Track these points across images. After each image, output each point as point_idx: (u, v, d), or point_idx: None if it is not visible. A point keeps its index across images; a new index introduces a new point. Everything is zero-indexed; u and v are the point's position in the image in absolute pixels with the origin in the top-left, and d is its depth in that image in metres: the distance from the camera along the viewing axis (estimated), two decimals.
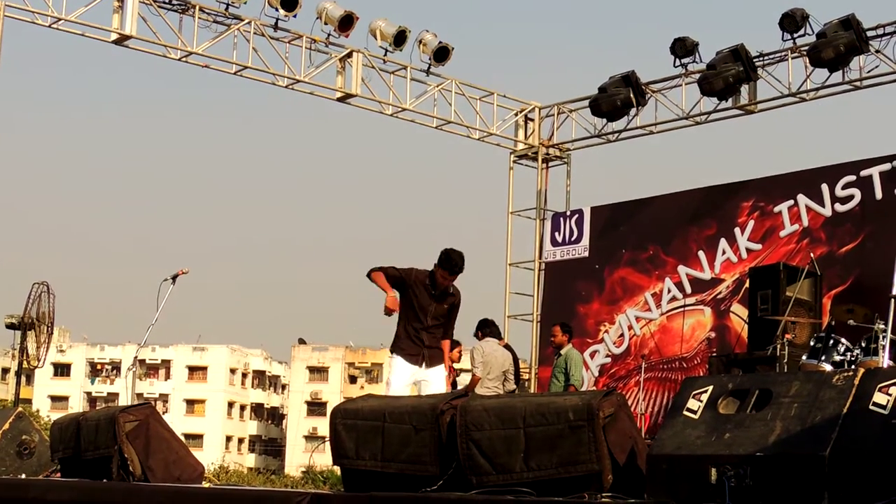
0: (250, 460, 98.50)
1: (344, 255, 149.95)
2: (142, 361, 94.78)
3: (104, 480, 10.75)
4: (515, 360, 17.03)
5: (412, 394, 11.52)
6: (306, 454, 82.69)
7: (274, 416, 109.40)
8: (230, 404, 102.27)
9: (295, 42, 19.70)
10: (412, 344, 11.54)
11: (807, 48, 18.31)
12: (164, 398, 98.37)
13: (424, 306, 11.51)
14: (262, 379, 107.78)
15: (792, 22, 18.37)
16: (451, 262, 11.42)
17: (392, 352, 11.66)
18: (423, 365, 11.55)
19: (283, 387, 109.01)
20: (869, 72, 18.35)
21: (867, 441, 6.32)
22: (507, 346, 17.21)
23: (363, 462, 8.58)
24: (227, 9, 18.76)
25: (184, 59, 18.98)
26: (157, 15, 18.37)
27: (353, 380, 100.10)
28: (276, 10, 18.92)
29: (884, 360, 11.45)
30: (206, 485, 11.92)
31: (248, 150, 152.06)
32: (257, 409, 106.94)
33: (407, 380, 11.56)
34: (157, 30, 18.48)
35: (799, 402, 6.74)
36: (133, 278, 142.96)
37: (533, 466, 7.68)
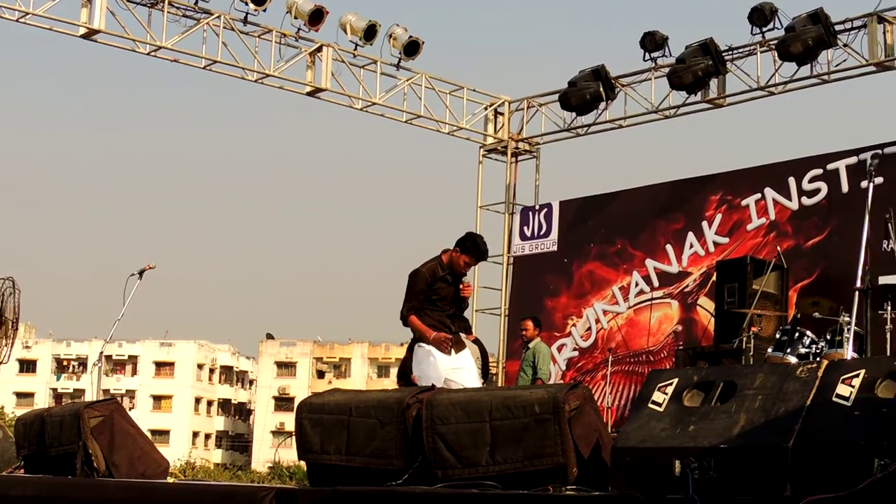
0: (217, 456, 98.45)
1: (313, 249, 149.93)
2: (108, 357, 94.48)
3: (68, 477, 10.69)
4: (484, 354, 17.00)
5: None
6: (274, 450, 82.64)
7: (241, 412, 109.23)
8: (197, 400, 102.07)
9: (265, 36, 19.65)
10: (444, 330, 11.31)
11: (775, 42, 18.37)
12: (130, 394, 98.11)
13: (445, 295, 11.33)
14: (229, 374, 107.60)
15: (761, 16, 18.42)
16: (479, 250, 11.32)
17: (419, 343, 11.36)
18: (451, 352, 11.33)
19: (251, 382, 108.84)
20: (837, 66, 18.42)
21: (830, 433, 6.33)
22: (476, 341, 17.18)
23: (328, 456, 8.56)
24: (196, 3, 18.71)
25: (153, 53, 18.91)
26: (125, 9, 18.32)
27: (321, 375, 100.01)
28: (246, 4, 18.88)
29: (848, 353, 11.51)
30: (170, 480, 11.89)
31: (216, 145, 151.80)
32: (224, 405, 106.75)
33: (444, 372, 11.21)
34: (126, 24, 18.43)
35: (763, 394, 6.75)
36: (100, 274, 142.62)
37: (499, 460, 7.67)
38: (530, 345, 16.60)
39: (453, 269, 11.27)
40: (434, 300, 11.26)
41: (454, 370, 11.22)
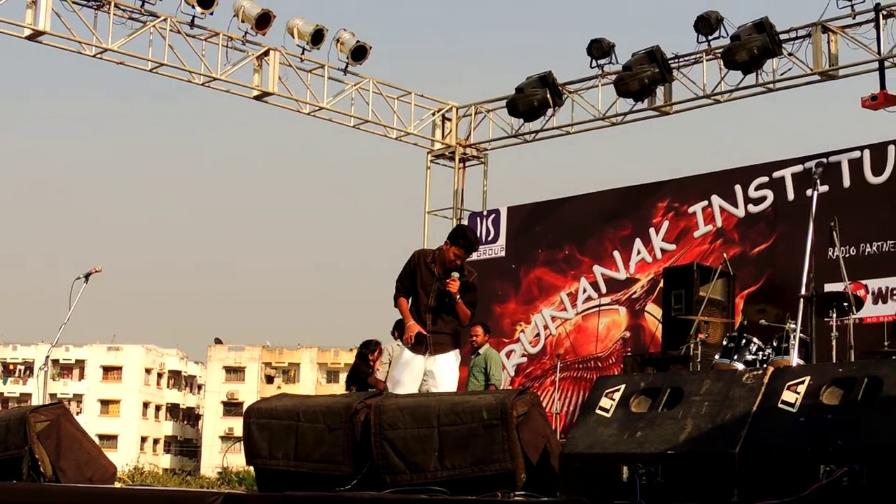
0: (166, 461, 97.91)
1: (261, 254, 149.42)
2: (55, 361, 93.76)
3: (14, 482, 10.62)
4: None
5: (412, 390, 10.93)
6: (223, 455, 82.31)
7: (190, 417, 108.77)
8: (145, 405, 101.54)
9: (211, 40, 19.56)
10: (418, 322, 11.02)
11: (721, 51, 18.46)
12: (78, 398, 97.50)
13: (427, 283, 11.00)
14: (177, 379, 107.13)
15: (706, 24, 18.52)
16: (467, 240, 11.07)
17: (395, 337, 11.02)
18: (427, 353, 11.00)
19: (200, 387, 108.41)
20: (782, 74, 18.55)
21: (776, 439, 6.39)
22: None
23: (276, 462, 8.55)
24: (142, 5, 18.61)
25: (99, 55, 18.79)
26: (71, 11, 18.18)
27: (269, 380, 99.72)
28: (193, 7, 18.78)
29: (794, 360, 11.58)
30: (118, 485, 11.82)
31: (162, 148, 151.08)
32: (173, 410, 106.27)
33: (414, 373, 10.98)
34: (72, 26, 18.29)
35: (710, 400, 6.79)
36: (46, 277, 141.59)
37: (447, 465, 7.68)
38: (480, 351, 16.60)
39: (444, 260, 11.00)
40: (416, 284, 11.04)
41: (428, 373, 11.01)
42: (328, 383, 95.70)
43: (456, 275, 10.93)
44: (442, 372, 10.99)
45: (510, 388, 18.97)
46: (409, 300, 11.11)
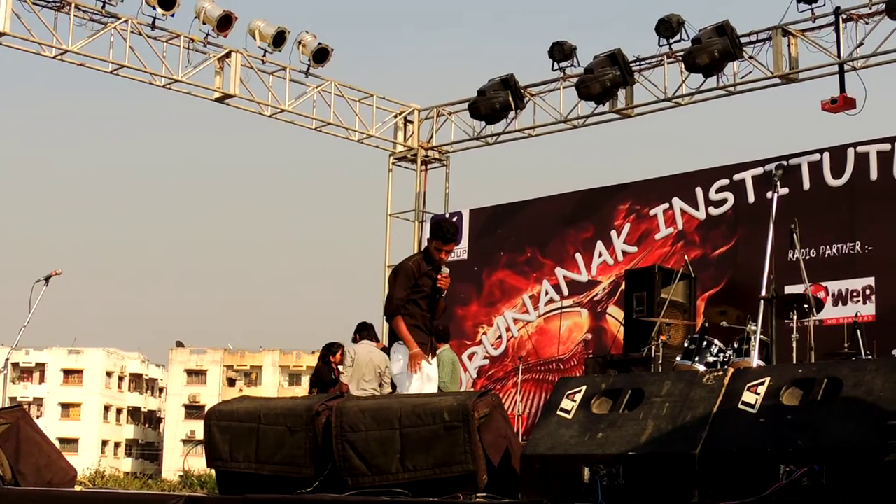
0: (127, 465, 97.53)
1: (222, 256, 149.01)
2: (15, 364, 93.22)
3: None
4: None
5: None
6: (184, 458, 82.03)
7: (151, 420, 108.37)
8: (106, 408, 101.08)
9: (173, 41, 19.48)
10: (422, 333, 10.87)
11: (682, 54, 18.52)
12: (38, 402, 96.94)
13: (429, 292, 10.86)
14: (139, 382, 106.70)
15: (668, 28, 18.57)
16: (443, 230, 10.89)
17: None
18: (430, 354, 10.97)
19: (161, 390, 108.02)
20: (742, 77, 18.62)
21: (736, 440, 6.41)
22: (385, 349, 17.22)
23: (237, 464, 8.53)
24: (103, 7, 18.50)
25: (59, 57, 18.68)
26: (31, 12, 18.08)
27: (231, 383, 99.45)
28: (154, 8, 18.69)
29: (754, 361, 11.63)
30: (78, 489, 11.77)
31: (124, 150, 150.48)
32: (134, 413, 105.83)
33: (423, 374, 10.76)
34: (32, 27, 18.21)
35: (670, 401, 6.82)
36: (5, 279, 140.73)
37: (409, 467, 7.68)
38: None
39: (433, 261, 10.86)
40: (417, 298, 10.82)
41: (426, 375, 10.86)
42: (290, 386, 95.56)
43: (447, 270, 10.89)
44: (434, 372, 11.05)
45: (472, 389, 18.98)
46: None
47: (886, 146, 16.41)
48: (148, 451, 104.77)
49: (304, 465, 8.16)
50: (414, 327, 10.78)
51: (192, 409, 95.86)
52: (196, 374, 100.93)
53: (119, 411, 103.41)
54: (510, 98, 20.45)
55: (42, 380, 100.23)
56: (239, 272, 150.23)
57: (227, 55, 20.03)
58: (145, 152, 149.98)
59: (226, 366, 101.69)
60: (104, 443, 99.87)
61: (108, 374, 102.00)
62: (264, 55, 20.24)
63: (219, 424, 8.71)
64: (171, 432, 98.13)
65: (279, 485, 8.20)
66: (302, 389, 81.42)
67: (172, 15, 18.88)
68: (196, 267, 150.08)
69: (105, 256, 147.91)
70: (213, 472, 9.00)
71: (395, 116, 22.79)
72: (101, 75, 19.42)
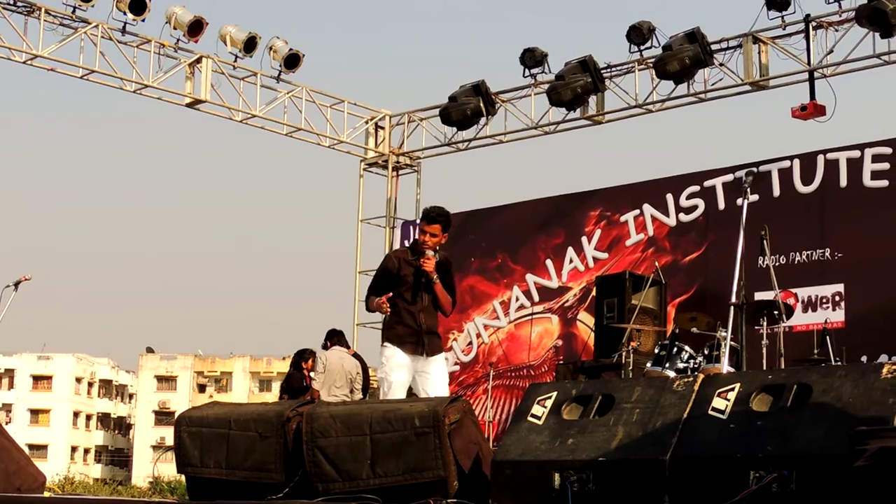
0: (97, 471, 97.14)
1: (193, 263, 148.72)
2: None
3: None
4: (364, 368, 17.05)
5: (405, 393, 10.33)
6: (154, 464, 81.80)
7: (121, 426, 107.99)
8: (76, 414, 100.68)
9: (143, 46, 19.42)
10: (406, 328, 10.31)
11: (653, 60, 18.55)
12: (7, 408, 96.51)
13: (415, 283, 10.34)
14: (108, 388, 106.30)
15: (639, 34, 18.60)
16: (426, 210, 10.53)
17: (385, 341, 10.32)
18: (424, 353, 10.29)
19: (131, 396, 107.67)
20: (713, 84, 18.67)
21: (706, 445, 6.43)
22: (356, 355, 17.23)
23: (208, 470, 8.51)
24: (74, 12, 18.43)
25: (29, 61, 18.62)
26: (1, 17, 18.03)
27: (202, 389, 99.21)
28: (125, 13, 18.61)
29: (724, 367, 11.66)
30: (47, 495, 11.70)
31: (94, 156, 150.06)
32: (104, 419, 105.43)
33: (406, 375, 10.24)
34: (1, 32, 18.14)
35: (641, 407, 6.83)
36: None
37: (379, 473, 7.68)
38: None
39: (420, 246, 10.44)
40: (401, 290, 10.35)
41: (422, 375, 10.31)
42: (261, 392, 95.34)
43: (431, 253, 10.36)
44: (439, 373, 10.39)
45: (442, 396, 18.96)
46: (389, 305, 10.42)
47: (856, 153, 16.49)
48: (118, 457, 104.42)
49: (274, 471, 8.14)
50: (396, 324, 10.36)
51: (162, 416, 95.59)
52: (166, 380, 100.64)
53: (89, 417, 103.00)
54: (481, 104, 20.45)
55: (11, 385, 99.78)
56: (209, 278, 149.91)
57: (198, 60, 19.97)
58: (115, 158, 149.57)
59: (196, 372, 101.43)
60: (74, 449, 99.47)
61: (78, 380, 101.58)
62: (235, 60, 20.20)
63: (189, 430, 8.68)
64: (140, 438, 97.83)
65: (249, 491, 8.19)
66: (272, 395, 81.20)
67: (143, 20, 18.82)
68: (166, 272, 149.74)
69: (75, 262, 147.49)
70: (183, 478, 8.98)
71: (367, 122, 22.76)
72: (71, 80, 19.32)
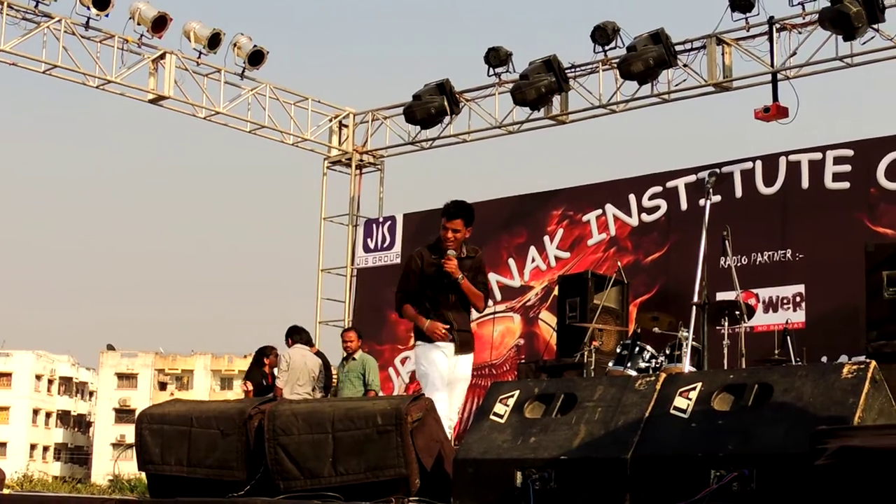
0: (56, 469, 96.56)
1: (154, 259, 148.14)
2: None
3: None
4: (327, 366, 17.04)
5: (445, 388, 9.91)
6: (114, 462, 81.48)
7: (81, 424, 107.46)
8: (35, 411, 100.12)
9: (107, 42, 19.33)
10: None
11: (617, 61, 18.59)
12: None
13: (441, 282, 10.01)
14: (68, 385, 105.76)
15: (603, 35, 18.64)
16: (445, 207, 10.16)
17: (417, 340, 10.05)
18: (455, 350, 9.96)
19: (91, 394, 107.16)
20: (677, 85, 18.72)
21: (668, 444, 6.46)
22: (319, 353, 17.21)
23: (169, 467, 8.49)
24: (36, 6, 18.34)
25: None
26: None
27: (163, 386, 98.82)
28: (88, 8, 18.53)
29: (686, 367, 11.70)
30: (6, 492, 11.65)
31: (56, 151, 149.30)
32: (63, 417, 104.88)
33: (445, 369, 9.85)
34: None
35: (603, 406, 6.86)
36: None
37: (341, 471, 7.68)
38: (356, 356, 16.54)
39: (442, 244, 10.13)
40: (426, 291, 10.07)
41: (453, 372, 10.00)
42: (222, 390, 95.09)
43: (452, 253, 10.03)
44: (465, 373, 10.10)
45: (405, 394, 18.97)
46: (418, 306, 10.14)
47: (818, 155, 16.58)
48: (77, 454, 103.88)
49: (236, 469, 8.13)
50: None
51: (123, 413, 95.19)
52: (127, 378, 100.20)
53: (48, 415, 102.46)
54: (445, 103, 20.45)
55: None
56: (170, 275, 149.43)
57: (162, 56, 19.89)
58: (76, 153, 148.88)
59: (157, 369, 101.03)
60: (33, 446, 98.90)
61: (38, 378, 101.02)
62: (199, 57, 20.13)
63: (150, 427, 8.66)
64: (101, 436, 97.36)
65: (211, 488, 8.17)
66: (234, 394, 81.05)
67: (107, 15, 18.74)
68: (127, 269, 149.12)
69: (35, 258, 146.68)
70: (143, 475, 8.96)
71: (331, 120, 22.73)
72: (33, 75, 19.23)
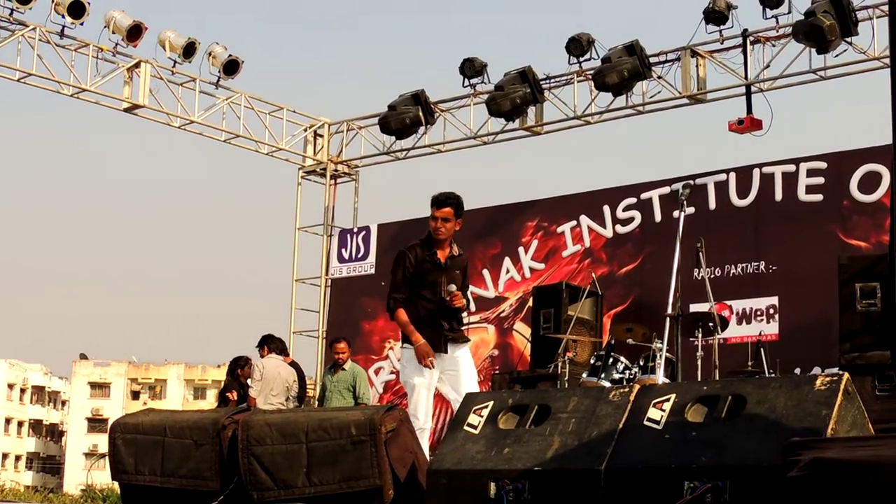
0: (28, 478, 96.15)
1: (127, 267, 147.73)
2: None
3: None
4: (301, 376, 16.99)
5: (430, 396, 9.94)
6: (86, 472, 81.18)
7: (53, 433, 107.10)
8: (7, 420, 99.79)
9: (81, 50, 19.26)
10: (427, 329, 9.77)
11: (592, 72, 18.62)
12: None
13: (433, 279, 9.88)
14: (41, 394, 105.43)
15: (578, 46, 18.67)
16: (433, 197, 10.02)
17: (405, 343, 9.86)
18: (446, 349, 9.83)
19: (64, 403, 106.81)
20: (651, 97, 18.75)
21: (641, 455, 6.46)
22: (293, 363, 17.14)
23: (143, 477, 8.47)
24: (11, 14, 18.27)
25: None
26: None
27: (136, 396, 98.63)
28: (63, 17, 18.46)
29: (660, 378, 11.72)
30: None
31: (30, 160, 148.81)
32: (36, 426, 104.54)
33: (430, 376, 9.75)
34: None
35: (577, 417, 6.86)
36: None
37: (315, 481, 7.67)
38: (346, 366, 16.43)
39: (434, 238, 10.01)
40: (421, 289, 9.91)
41: (447, 373, 9.90)
42: (195, 399, 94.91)
43: (453, 287, 9.87)
44: (466, 366, 9.99)
45: (379, 404, 18.94)
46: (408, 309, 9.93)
47: (791, 167, 16.64)
48: (49, 464, 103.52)
49: (209, 479, 8.12)
50: (417, 325, 9.80)
51: (96, 423, 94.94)
52: (100, 387, 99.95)
53: (20, 424, 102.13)
54: (420, 113, 20.44)
55: None
56: (144, 284, 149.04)
57: (137, 65, 19.84)
58: (51, 162, 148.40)
59: (130, 378, 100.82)
60: (4, 456, 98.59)
61: (10, 386, 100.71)
62: (174, 66, 20.08)
63: (124, 437, 8.64)
64: (73, 446, 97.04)
65: (184, 498, 8.16)
66: (207, 403, 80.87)
67: (82, 24, 18.66)
68: (100, 278, 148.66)
69: (7, 267, 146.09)
70: (116, 485, 8.93)
71: (305, 130, 22.70)
72: (7, 83, 19.14)
